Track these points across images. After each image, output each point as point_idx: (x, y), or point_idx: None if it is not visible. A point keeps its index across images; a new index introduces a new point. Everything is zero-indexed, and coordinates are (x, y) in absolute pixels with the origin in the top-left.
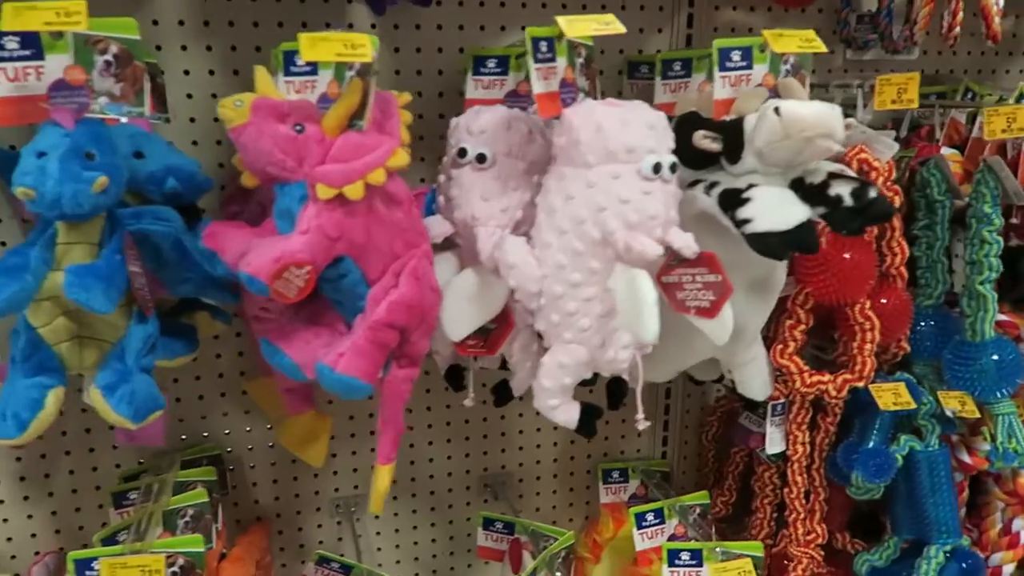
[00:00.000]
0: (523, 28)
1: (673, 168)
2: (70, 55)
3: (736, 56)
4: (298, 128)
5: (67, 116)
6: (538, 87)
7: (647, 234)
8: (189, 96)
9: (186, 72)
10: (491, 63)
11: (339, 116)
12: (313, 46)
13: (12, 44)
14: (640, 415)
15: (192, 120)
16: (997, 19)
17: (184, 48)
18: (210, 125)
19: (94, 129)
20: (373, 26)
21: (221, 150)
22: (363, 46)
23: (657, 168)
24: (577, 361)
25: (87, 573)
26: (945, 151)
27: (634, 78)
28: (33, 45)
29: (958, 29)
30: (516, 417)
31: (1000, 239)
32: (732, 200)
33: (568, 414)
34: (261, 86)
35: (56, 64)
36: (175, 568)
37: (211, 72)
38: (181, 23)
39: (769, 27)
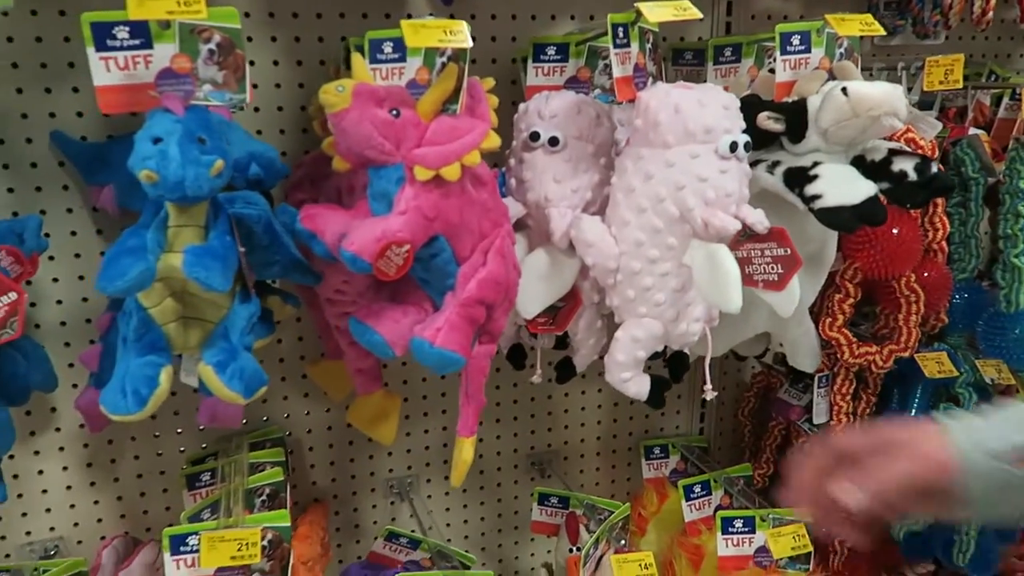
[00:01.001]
0: (572, 17)
1: (747, 147)
2: (176, 44)
3: (796, 40)
4: (394, 112)
5: (177, 103)
6: (617, 71)
7: (723, 210)
8: (255, 86)
9: (251, 63)
10: (551, 50)
11: (434, 100)
12: (416, 33)
13: (123, 34)
14: (708, 385)
15: (256, 110)
16: None
17: (250, 39)
18: (274, 114)
19: (202, 116)
20: (431, 14)
21: (284, 139)
22: (460, 32)
23: (733, 147)
24: (651, 334)
25: (181, 548)
26: (972, 131)
27: (678, 64)
28: (143, 35)
29: (991, 14)
30: (562, 398)
31: None
32: (799, 177)
33: (639, 387)
34: (358, 72)
35: (163, 53)
36: (264, 542)
37: (275, 63)
38: (247, 15)
39: (804, 14)
